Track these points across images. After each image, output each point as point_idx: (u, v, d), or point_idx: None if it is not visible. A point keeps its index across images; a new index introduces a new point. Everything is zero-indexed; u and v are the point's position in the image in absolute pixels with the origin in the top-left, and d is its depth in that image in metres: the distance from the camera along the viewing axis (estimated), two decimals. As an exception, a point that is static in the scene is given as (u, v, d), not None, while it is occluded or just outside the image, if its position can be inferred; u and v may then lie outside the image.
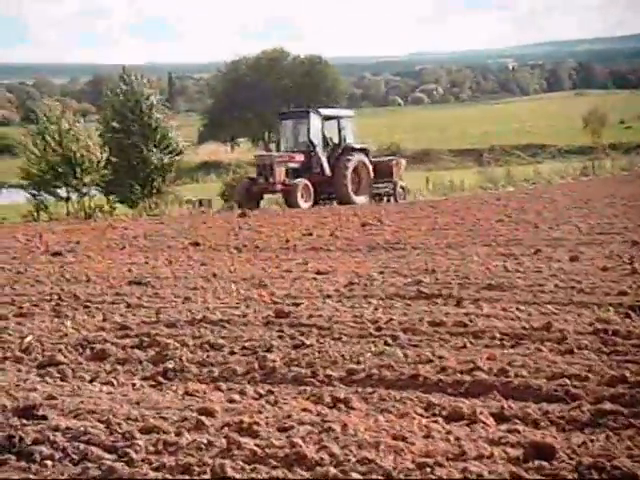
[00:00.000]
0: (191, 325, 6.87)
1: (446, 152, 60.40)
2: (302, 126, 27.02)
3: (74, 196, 27.12)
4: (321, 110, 27.69)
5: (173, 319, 7.15)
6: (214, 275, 9.97)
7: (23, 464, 3.77)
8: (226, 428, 4.06)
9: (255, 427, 4.03)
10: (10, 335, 6.73)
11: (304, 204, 25.10)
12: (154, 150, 29.24)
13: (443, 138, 65.00)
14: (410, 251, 11.90)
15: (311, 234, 15.12)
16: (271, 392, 4.86)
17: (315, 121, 26.61)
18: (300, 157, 26.31)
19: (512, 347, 5.66)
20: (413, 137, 63.69)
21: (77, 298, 8.57)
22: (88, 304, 8.20)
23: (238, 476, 3.49)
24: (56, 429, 4.09)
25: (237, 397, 4.74)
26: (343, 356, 5.55)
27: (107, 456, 3.78)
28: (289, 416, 4.24)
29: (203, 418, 4.18)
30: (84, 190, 27.03)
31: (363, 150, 27.53)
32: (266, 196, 26.46)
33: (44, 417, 4.30)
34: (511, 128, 68.30)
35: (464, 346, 5.72)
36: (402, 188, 28.15)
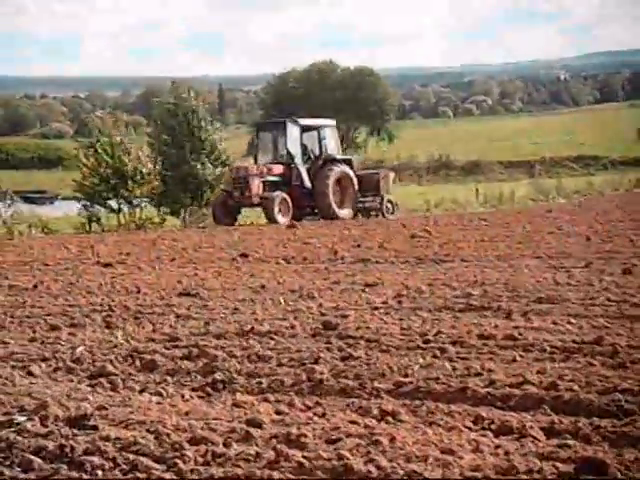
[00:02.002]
0: (239, 336, 6.89)
1: (496, 164, 59.99)
2: (280, 137, 25.92)
3: (125, 208, 27.43)
4: (299, 120, 26.51)
5: (222, 330, 7.18)
6: (262, 287, 10.01)
7: (74, 474, 3.82)
8: (274, 440, 4.06)
9: (303, 439, 4.03)
10: (62, 345, 6.82)
11: (282, 218, 24.00)
12: (204, 162, 29.43)
13: (493, 149, 64.61)
14: (459, 263, 11.83)
15: (359, 245, 15.11)
16: (319, 404, 4.86)
17: (293, 131, 25.55)
18: (279, 169, 25.25)
19: (563, 361, 5.59)
20: (463, 148, 63.41)
21: (127, 309, 8.65)
22: (138, 315, 8.28)
23: (285, 488, 3.49)
24: (106, 439, 4.13)
25: (285, 409, 4.74)
26: (391, 368, 5.52)
27: (156, 466, 3.81)
28: (337, 428, 4.23)
29: (251, 429, 4.19)
30: (135, 202, 27.33)
31: (346, 161, 26.45)
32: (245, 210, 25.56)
33: (95, 427, 4.35)
34: (563, 139, 67.66)
35: (514, 359, 5.66)
36: (390, 202, 26.83)
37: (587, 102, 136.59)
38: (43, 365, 6.13)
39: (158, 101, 32.49)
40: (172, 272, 12.26)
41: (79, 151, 28.58)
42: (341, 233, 18.61)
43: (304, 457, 3.79)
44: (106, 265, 13.48)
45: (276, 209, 24.17)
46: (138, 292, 10.00)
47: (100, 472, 3.81)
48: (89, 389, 5.41)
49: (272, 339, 6.71)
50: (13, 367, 6.10)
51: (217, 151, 30.05)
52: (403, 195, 33.64)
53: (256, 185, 24.47)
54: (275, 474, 3.63)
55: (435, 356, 5.85)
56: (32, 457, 3.99)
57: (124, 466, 3.85)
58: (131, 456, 3.92)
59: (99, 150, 27.33)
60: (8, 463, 3.98)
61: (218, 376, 5.60)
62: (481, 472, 3.53)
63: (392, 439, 3.97)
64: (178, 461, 3.83)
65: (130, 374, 5.83)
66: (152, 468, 3.79)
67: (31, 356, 6.43)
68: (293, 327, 7.16)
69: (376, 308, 8.05)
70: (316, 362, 5.82)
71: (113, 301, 9.24)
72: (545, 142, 66.16)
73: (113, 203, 27.65)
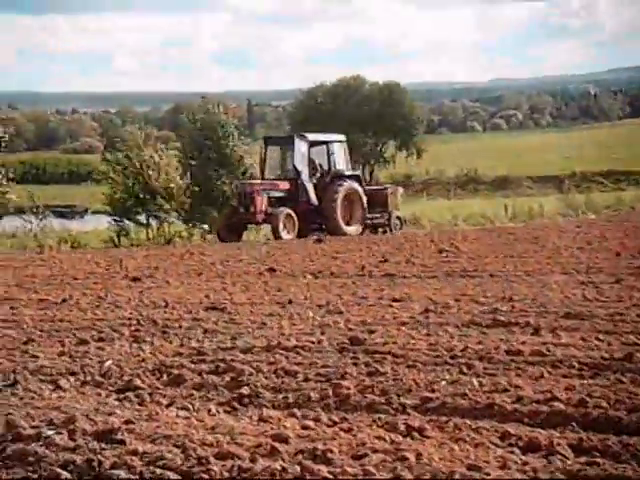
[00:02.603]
0: (266, 351, 6.90)
1: (525, 178, 59.73)
2: (288, 152, 25.55)
3: (154, 222, 27.59)
4: (307, 135, 26.18)
5: (249, 345, 7.20)
6: (290, 301, 10.02)
7: (101, 487, 3.84)
8: (300, 455, 4.06)
9: (329, 454, 4.03)
10: (91, 359, 6.86)
11: (286, 235, 23.63)
12: (230, 177, 29.46)
13: (522, 164, 64.33)
14: (487, 278, 11.78)
15: (387, 260, 15.09)
16: (345, 419, 4.85)
17: (301, 147, 25.10)
18: (285, 185, 24.87)
19: (591, 377, 5.55)
20: (492, 163, 63.22)
21: (155, 323, 8.69)
22: (166, 329, 8.31)
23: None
24: (134, 453, 4.15)
25: (311, 424, 4.74)
26: (418, 384, 5.51)
27: (182, 481, 3.82)
28: (363, 444, 4.22)
29: (277, 444, 4.19)
30: (163, 217, 27.47)
31: (355, 177, 26.11)
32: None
33: (122, 441, 4.36)
34: (593, 154, 67.24)
35: (541, 376, 5.63)
36: (398, 219, 26.45)
37: (617, 117, 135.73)
38: (72, 379, 6.17)
39: (187, 116, 32.66)
40: (200, 286, 12.31)
41: (109, 165, 28.80)
42: (369, 248, 18.59)
43: (330, 473, 3.78)
44: (134, 279, 13.56)
45: (281, 225, 23.84)
46: (166, 306, 10.05)
47: (127, 486, 3.82)
48: (117, 403, 5.43)
49: (299, 354, 6.71)
50: (42, 381, 6.15)
51: (244, 166, 30.13)
52: (431, 209, 33.58)
53: (261, 201, 24.10)
54: (301, 489, 3.63)
55: (462, 372, 5.82)
56: (60, 471, 4.02)
57: (150, 480, 3.86)
58: (158, 470, 3.93)
59: (128, 166, 27.53)
60: (36, 477, 4.01)
61: (245, 391, 5.61)
62: (508, 489, 3.51)
63: (418, 455, 3.95)
64: (204, 475, 3.84)
65: (157, 388, 5.85)
66: (178, 482, 3.80)
67: (60, 370, 6.48)
68: (320, 342, 7.16)
69: (403, 323, 8.03)
70: (343, 377, 5.82)
71: (141, 315, 9.29)
72: (575, 157, 65.80)
73: (142, 218, 27.83)
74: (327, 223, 25.08)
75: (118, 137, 29.85)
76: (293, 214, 24.12)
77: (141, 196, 27.11)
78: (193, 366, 6.43)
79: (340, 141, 26.75)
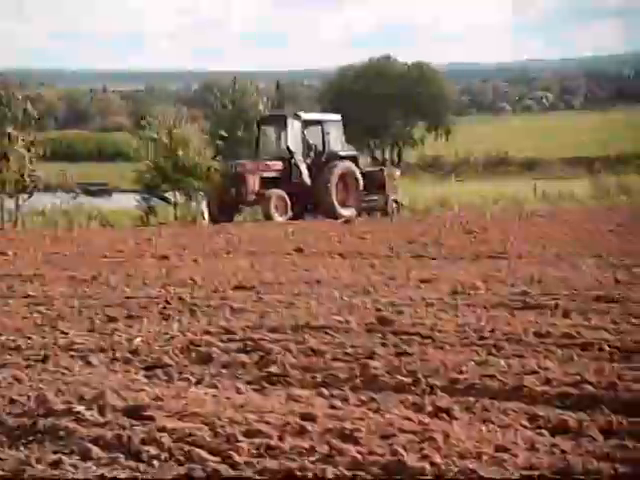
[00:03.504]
0: (294, 331, 6.91)
1: (556, 160, 59.26)
2: (281, 132, 25.03)
3: (182, 201, 27.67)
4: (301, 114, 25.63)
5: (277, 324, 7.21)
6: (317, 281, 10.02)
7: (131, 463, 3.87)
8: (328, 434, 4.07)
9: (357, 434, 4.04)
10: (119, 337, 6.91)
11: (278, 217, 23.23)
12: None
13: (553, 146, 63.82)
14: (516, 260, 11.72)
15: (415, 241, 15.05)
16: (373, 399, 4.86)
17: (294, 126, 24.55)
18: (278, 165, 24.31)
19: (622, 361, 5.51)
20: (522, 145, 62.76)
21: (183, 301, 8.73)
22: (194, 307, 8.34)
23: (339, 482, 3.50)
24: (162, 430, 4.18)
25: (339, 403, 4.75)
26: (445, 365, 5.49)
27: (211, 458, 3.84)
28: (391, 424, 4.22)
29: (305, 423, 4.20)
30: (192, 195, 27.54)
31: (351, 158, 25.44)
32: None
33: (151, 418, 4.40)
34: (627, 136, 66.46)
35: (571, 358, 5.60)
36: (395, 202, 25.97)
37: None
38: (101, 355, 6.22)
39: (216, 95, 32.71)
40: (227, 265, 12.35)
41: (139, 143, 28.92)
42: (397, 228, 18.55)
43: (358, 452, 3.79)
44: (163, 258, 13.62)
45: (272, 206, 23.42)
46: (194, 285, 10.09)
47: (156, 462, 3.85)
48: (145, 380, 5.47)
49: (327, 334, 6.72)
50: (72, 357, 6.20)
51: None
52: (460, 191, 33.42)
53: (252, 182, 23.69)
54: (329, 468, 3.64)
55: (490, 353, 5.80)
56: (90, 446, 4.06)
57: (180, 457, 3.89)
58: (186, 447, 3.96)
59: (158, 143, 27.62)
60: (67, 451, 4.05)
61: (273, 370, 5.62)
62: (536, 471, 3.50)
63: (446, 436, 3.95)
64: (233, 453, 3.86)
65: (185, 366, 5.88)
66: (207, 459, 3.82)
67: (89, 346, 6.53)
68: (348, 322, 7.16)
69: (431, 304, 8.01)
70: (371, 357, 5.82)
71: (169, 293, 9.33)
72: (608, 139, 65.11)
73: (170, 196, 27.92)
74: (321, 205, 24.56)
75: (148, 115, 29.91)
76: (285, 195, 23.65)
77: (170, 175, 27.21)
78: (221, 344, 6.45)
79: (336, 121, 26.18)
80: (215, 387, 5.25)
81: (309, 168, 24.51)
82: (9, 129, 25.95)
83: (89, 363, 5.99)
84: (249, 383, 5.40)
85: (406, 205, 27.06)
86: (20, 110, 26.32)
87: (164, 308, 8.36)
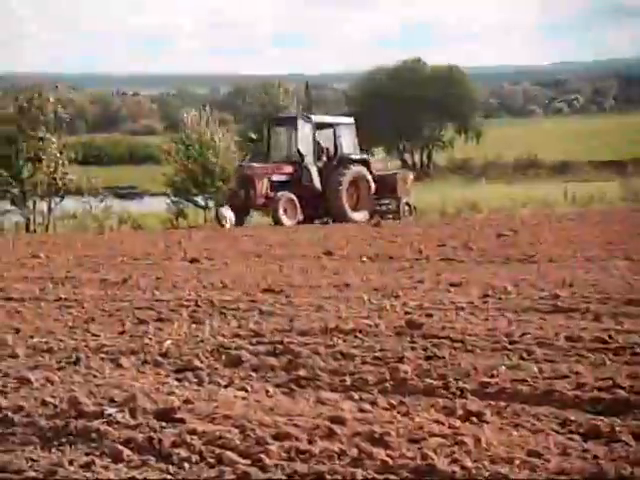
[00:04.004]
0: (324, 334, 6.91)
1: (586, 163, 58.80)
2: (292, 134, 24.70)
3: (212, 204, 27.80)
4: (312, 116, 25.50)
5: (306, 327, 7.22)
6: (347, 284, 10.01)
7: (162, 465, 3.89)
8: (357, 437, 4.07)
9: (386, 437, 4.03)
10: (150, 339, 6.94)
11: (287, 221, 23.02)
12: None
13: (584, 149, 63.38)
14: (546, 263, 11.65)
15: (445, 245, 15.00)
16: (402, 403, 4.84)
17: (304, 129, 24.31)
18: (288, 168, 24.08)
19: (654, 365, 5.46)
20: (552, 148, 62.36)
21: (213, 304, 8.76)
22: (223, 310, 8.37)
23: (369, 486, 3.50)
24: (193, 432, 4.20)
25: (368, 407, 4.74)
26: (476, 369, 5.47)
27: (241, 461, 3.85)
28: (421, 427, 4.21)
29: (335, 426, 4.20)
30: (222, 198, 27.64)
31: (363, 161, 25.15)
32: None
33: (182, 420, 4.42)
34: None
35: (603, 363, 5.55)
36: (408, 205, 25.72)
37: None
38: (132, 358, 6.25)
39: (246, 98, 32.80)
40: (257, 268, 12.37)
41: (169, 147, 29.09)
42: (426, 232, 18.50)
43: (388, 455, 3.78)
44: (192, 260, 13.67)
45: (281, 210, 23.22)
46: (224, 287, 10.12)
47: (187, 464, 3.87)
48: (176, 383, 5.49)
49: (356, 337, 6.71)
50: (103, 359, 6.24)
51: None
52: (489, 194, 33.26)
53: (261, 185, 23.48)
54: (359, 472, 3.63)
55: (521, 357, 5.77)
56: (122, 448, 4.08)
57: (210, 459, 3.91)
58: (217, 450, 3.97)
59: (188, 147, 27.77)
60: (99, 453, 4.08)
61: (302, 373, 5.63)
62: (568, 476, 3.48)
63: (477, 440, 3.93)
64: (263, 456, 3.87)
65: (216, 369, 5.90)
66: (237, 462, 3.83)
67: (120, 349, 6.57)
68: (377, 325, 7.15)
69: (461, 308, 7.98)
70: (400, 361, 5.80)
71: (199, 296, 9.37)
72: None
73: (200, 199, 28.06)
74: (332, 208, 24.38)
75: (178, 119, 30.11)
76: (295, 199, 23.44)
77: (200, 178, 27.33)
78: (251, 347, 6.47)
79: (348, 124, 25.87)
80: (245, 390, 5.26)
81: (320, 171, 24.34)
82: (41, 132, 26.22)
83: (120, 365, 6.03)
84: (278, 386, 5.41)
85: (419, 208, 26.83)
86: (52, 113, 26.58)
87: (194, 311, 8.39)
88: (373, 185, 24.73)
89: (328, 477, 3.61)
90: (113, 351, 6.50)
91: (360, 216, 24.45)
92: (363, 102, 63.64)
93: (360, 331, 6.91)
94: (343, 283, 10.14)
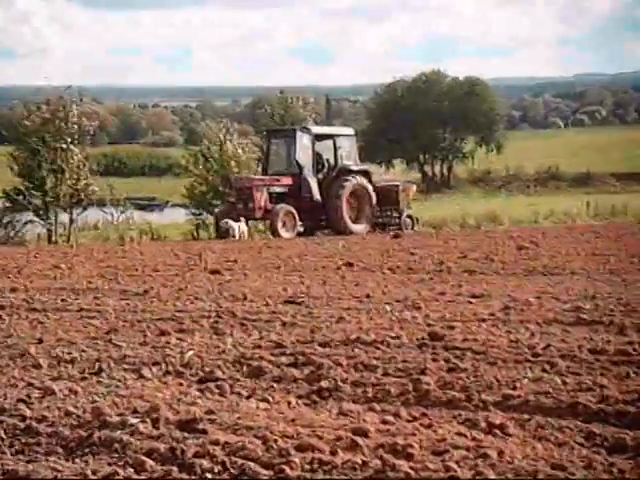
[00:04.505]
0: (345, 345, 6.90)
1: (608, 176, 58.50)
2: (291, 146, 24.44)
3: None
4: (312, 128, 25.28)
5: (327, 339, 7.21)
6: (367, 296, 10.00)
7: (185, 476, 3.89)
8: (380, 449, 4.05)
9: (409, 449, 4.01)
10: (172, 350, 6.95)
11: (285, 233, 22.80)
12: None
13: (606, 161, 63.04)
14: (569, 276, 11.59)
15: (466, 256, 14.96)
16: (425, 415, 4.83)
17: (303, 140, 24.09)
18: (287, 180, 23.91)
19: (679, 378, 5.41)
20: (573, 160, 62.10)
21: (234, 315, 8.77)
22: (245, 322, 8.37)
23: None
24: (215, 443, 4.20)
25: (391, 419, 4.72)
26: (499, 381, 5.45)
27: (264, 472, 3.85)
28: (443, 440, 4.19)
29: (357, 438, 4.19)
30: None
31: (363, 172, 24.89)
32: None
33: (204, 431, 4.42)
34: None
35: (627, 375, 5.51)
36: (409, 217, 25.43)
37: None
38: (154, 369, 6.26)
39: (266, 110, 32.90)
40: (278, 280, 12.38)
41: (189, 158, 29.20)
42: (447, 244, 18.46)
43: (411, 468, 3.76)
44: (213, 272, 13.70)
45: (279, 223, 23.03)
46: (245, 299, 10.13)
47: (209, 475, 3.87)
48: (198, 393, 5.49)
49: (378, 349, 6.70)
50: (125, 370, 6.26)
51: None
52: (511, 206, 33.16)
53: (260, 197, 23.29)
54: (382, 484, 3.62)
55: (544, 370, 5.74)
56: (145, 458, 4.09)
57: (233, 470, 3.90)
58: (239, 461, 3.97)
59: (208, 158, 27.87)
60: (122, 463, 4.09)
61: (324, 384, 5.62)
62: (593, 490, 3.45)
63: (500, 452, 3.91)
64: (285, 467, 3.86)
65: (237, 380, 5.90)
66: (260, 473, 3.83)
67: (142, 359, 6.58)
68: (399, 337, 7.13)
69: (483, 320, 7.95)
70: (422, 373, 5.79)
71: (220, 307, 9.38)
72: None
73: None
74: (332, 220, 24.19)
75: (199, 131, 30.25)
76: (294, 211, 23.24)
77: (221, 189, 27.39)
78: (272, 359, 6.47)
79: (348, 135, 25.73)
80: (267, 401, 5.26)
81: (319, 183, 24.15)
82: (64, 144, 26.39)
83: (142, 376, 6.04)
84: (300, 397, 5.40)
85: (420, 220, 26.55)
86: (76, 125, 26.77)
87: (215, 322, 8.40)
88: (374, 196, 24.56)
89: (351, 489, 3.60)
90: (135, 362, 6.51)
91: (361, 228, 24.27)
92: (383, 114, 63.59)
93: (382, 342, 6.90)
94: (364, 294, 10.13)
